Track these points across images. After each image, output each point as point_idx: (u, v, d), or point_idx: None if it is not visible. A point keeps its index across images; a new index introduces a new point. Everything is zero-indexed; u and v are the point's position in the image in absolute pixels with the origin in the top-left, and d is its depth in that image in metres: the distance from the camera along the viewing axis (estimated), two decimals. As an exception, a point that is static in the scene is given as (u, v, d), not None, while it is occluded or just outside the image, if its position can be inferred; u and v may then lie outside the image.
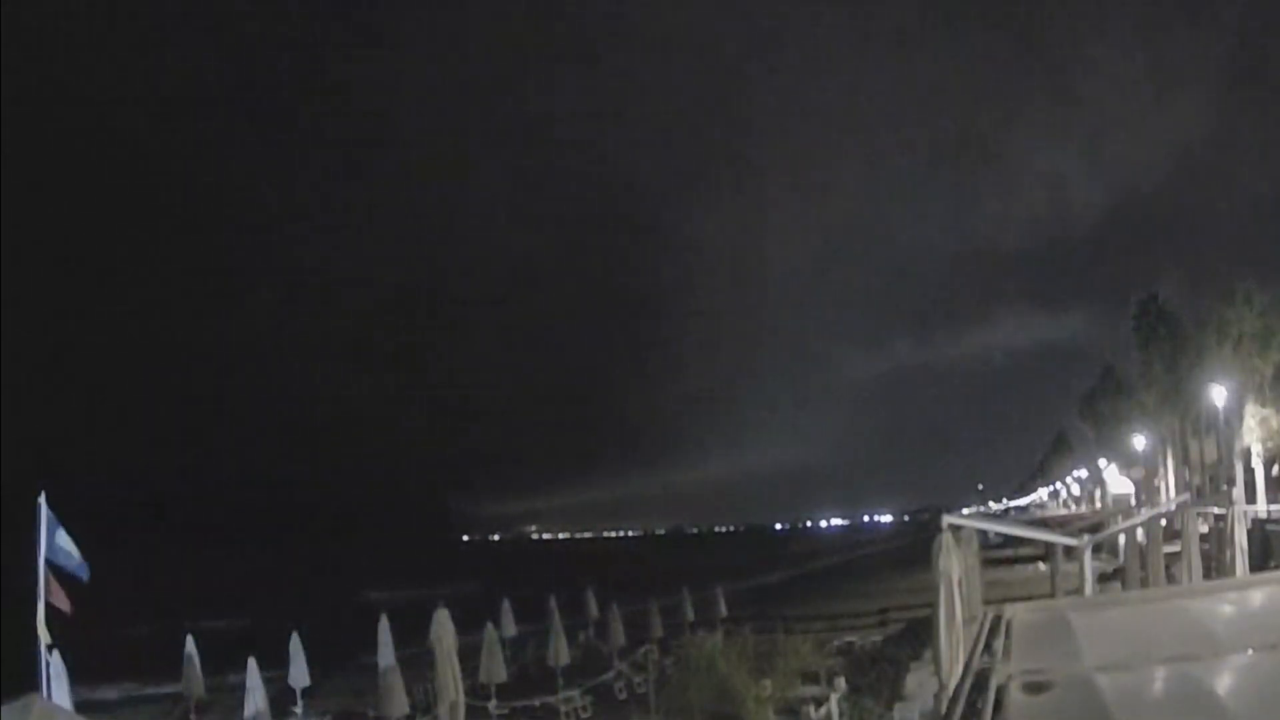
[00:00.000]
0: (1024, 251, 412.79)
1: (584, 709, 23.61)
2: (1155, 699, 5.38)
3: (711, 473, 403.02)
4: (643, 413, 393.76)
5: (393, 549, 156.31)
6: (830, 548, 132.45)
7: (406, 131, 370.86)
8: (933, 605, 7.81)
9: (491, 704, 21.38)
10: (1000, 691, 5.60)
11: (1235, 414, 44.81)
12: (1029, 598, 15.41)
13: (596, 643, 28.93)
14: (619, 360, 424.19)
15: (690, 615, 30.28)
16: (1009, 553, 50.13)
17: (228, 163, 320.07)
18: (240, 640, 23.76)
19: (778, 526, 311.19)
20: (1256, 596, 8.65)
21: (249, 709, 18.27)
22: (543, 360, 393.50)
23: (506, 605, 26.70)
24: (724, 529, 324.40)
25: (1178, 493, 52.47)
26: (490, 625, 22.26)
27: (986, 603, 10.74)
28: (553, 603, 26.13)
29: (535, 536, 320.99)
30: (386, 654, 19.78)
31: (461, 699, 16.97)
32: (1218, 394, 44.20)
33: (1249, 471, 44.87)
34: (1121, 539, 27.30)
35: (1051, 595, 20.98)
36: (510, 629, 26.20)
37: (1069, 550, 19.67)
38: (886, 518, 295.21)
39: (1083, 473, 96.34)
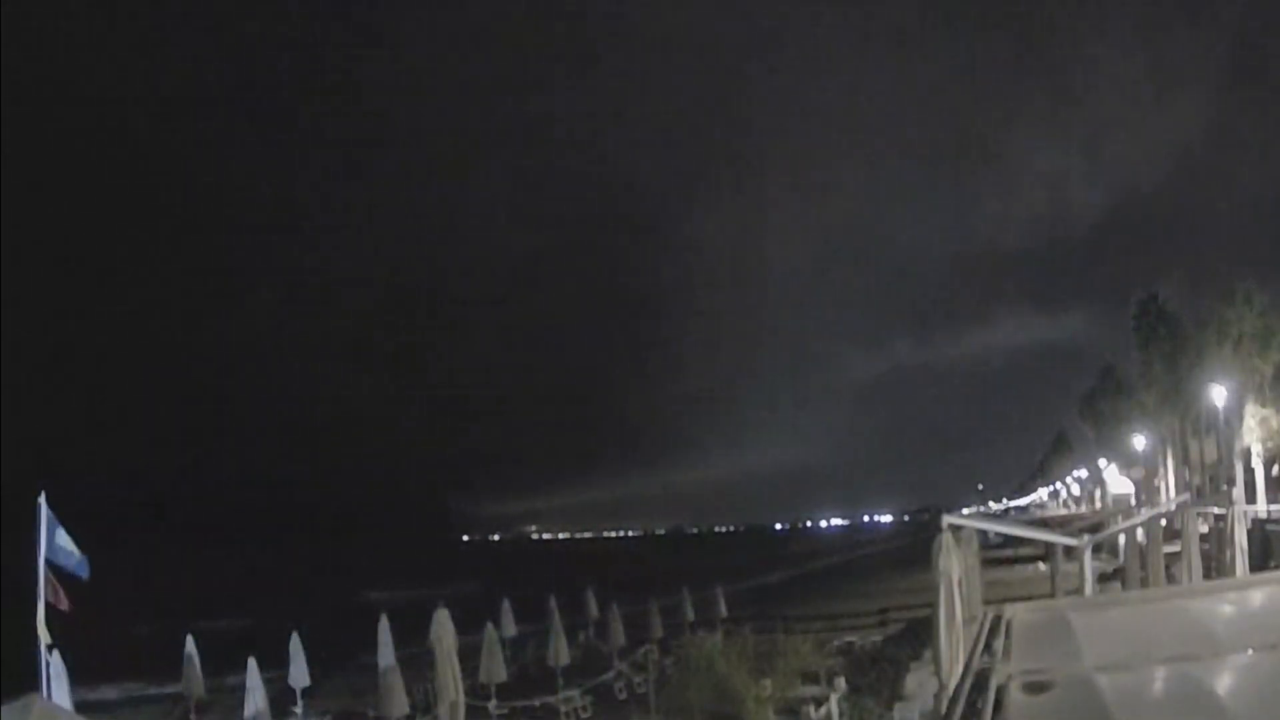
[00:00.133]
0: (1024, 251, 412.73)
1: (584, 709, 23.60)
2: (1155, 699, 5.38)
3: (711, 473, 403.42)
4: (643, 413, 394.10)
5: (393, 549, 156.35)
6: (830, 548, 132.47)
7: (406, 131, 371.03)
8: (933, 605, 7.81)
9: (491, 704, 21.37)
10: (1000, 691, 5.60)
11: (1235, 414, 44.81)
12: (1029, 598, 15.39)
13: (596, 643, 28.94)
14: (619, 360, 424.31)
15: (690, 615, 30.28)
16: (1009, 553, 50.14)
17: (228, 163, 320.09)
18: (240, 640, 23.75)
19: (778, 526, 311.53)
20: (1256, 596, 8.64)
21: (249, 709, 18.27)
22: (543, 360, 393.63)
23: (506, 605, 26.71)
24: (724, 529, 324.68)
25: (1178, 493, 52.47)
26: (490, 625, 22.25)
27: (986, 603, 10.73)
28: (553, 603, 26.14)
29: (535, 536, 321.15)
30: (386, 654, 19.79)
31: (461, 699, 16.97)
32: (1218, 394, 44.20)
33: (1249, 471, 44.87)
34: (1121, 539, 27.29)
35: (1051, 595, 20.98)
36: (510, 629, 26.20)
37: (1069, 550, 19.68)
38: (886, 518, 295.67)
39: (1083, 473, 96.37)
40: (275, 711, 19.41)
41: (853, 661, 23.22)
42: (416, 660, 21.02)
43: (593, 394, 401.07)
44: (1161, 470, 60.79)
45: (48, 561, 11.89)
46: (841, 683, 18.53)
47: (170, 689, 25.09)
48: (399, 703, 17.70)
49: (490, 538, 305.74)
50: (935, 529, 8.45)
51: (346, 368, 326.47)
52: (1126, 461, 69.97)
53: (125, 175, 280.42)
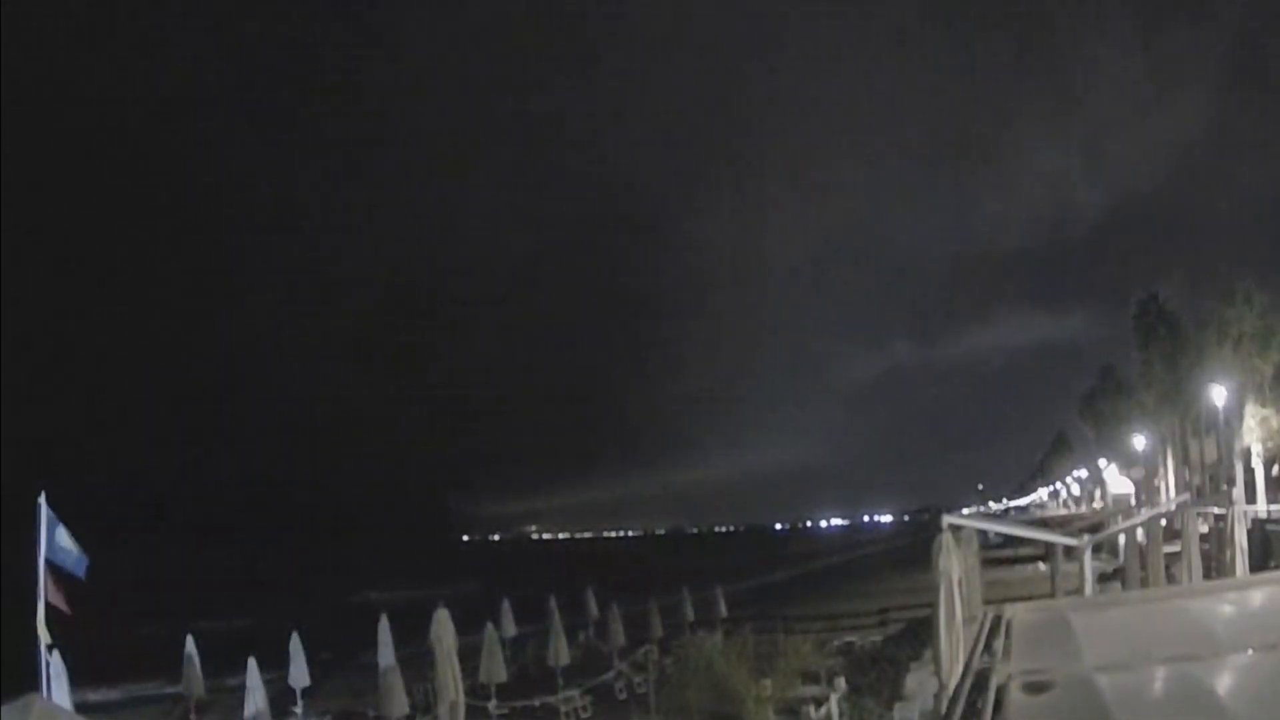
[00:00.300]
0: (1024, 251, 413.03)
1: (584, 709, 23.60)
2: (1155, 699, 5.38)
3: (711, 473, 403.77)
4: (643, 413, 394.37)
5: (393, 549, 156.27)
6: (830, 548, 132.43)
7: (406, 131, 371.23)
8: (933, 605, 7.81)
9: (491, 704, 21.36)
10: (1000, 691, 5.59)
11: (1235, 414, 44.81)
12: (1029, 598, 15.39)
13: (596, 643, 28.93)
14: (619, 360, 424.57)
15: (690, 615, 30.26)
16: (1009, 553, 50.12)
17: (228, 163, 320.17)
18: (240, 640, 23.74)
19: (778, 526, 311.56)
20: (1256, 596, 8.65)
21: (249, 709, 18.27)
22: (543, 360, 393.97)
23: (506, 605, 26.71)
24: (724, 529, 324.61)
25: (1178, 493, 52.47)
26: (490, 625, 22.23)
27: (986, 603, 10.73)
28: (553, 603, 26.13)
29: (535, 536, 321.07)
30: (386, 654, 19.80)
31: (461, 699, 16.97)
32: (1218, 394, 44.20)
33: (1249, 471, 44.88)
34: (1121, 539, 27.30)
35: (1051, 595, 20.97)
36: (510, 629, 26.20)
37: (1069, 550, 19.67)
38: (886, 518, 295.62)
39: (1083, 473, 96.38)
40: (275, 711, 19.41)
41: (853, 661, 23.21)
42: (416, 660, 21.01)
43: (593, 394, 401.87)
44: (1161, 470, 60.78)
45: (48, 561, 11.90)
46: (841, 683, 18.52)
47: (170, 689, 25.11)
48: (399, 703, 17.70)
49: (490, 538, 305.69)
50: (935, 529, 8.45)
51: (346, 368, 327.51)
52: (1126, 461, 69.96)
53: (125, 175, 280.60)
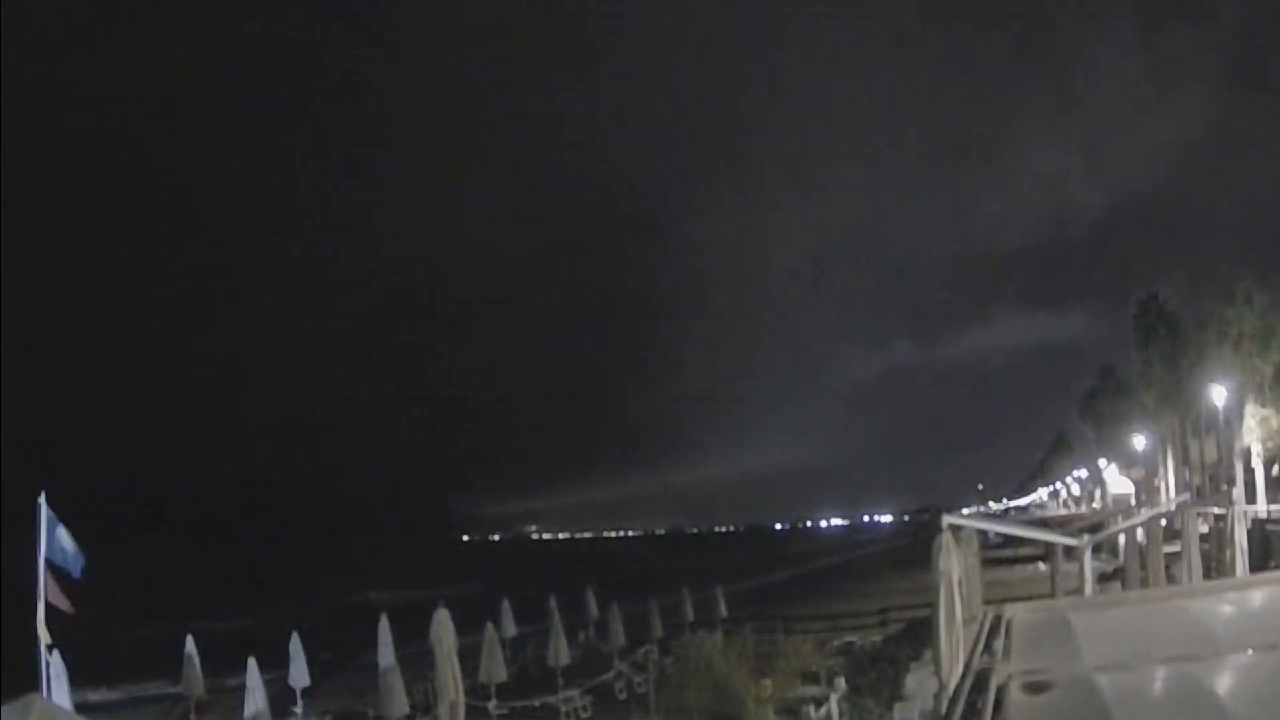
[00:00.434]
0: (1024, 251, 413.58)
1: (584, 709, 23.60)
2: (1155, 699, 5.38)
3: (711, 473, 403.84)
4: (643, 413, 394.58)
5: (393, 549, 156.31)
6: (830, 548, 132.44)
7: (406, 131, 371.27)
8: (933, 605, 7.80)
9: (491, 704, 21.37)
10: (1000, 691, 5.59)
11: (1235, 414, 44.80)
12: (1029, 598, 15.38)
13: (596, 643, 28.93)
14: (619, 360, 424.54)
15: (690, 615, 30.26)
16: (1009, 553, 50.13)
17: (228, 163, 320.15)
18: (240, 640, 23.74)
19: (778, 526, 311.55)
20: (1256, 596, 8.65)
21: (249, 709, 18.27)
22: (543, 360, 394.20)
23: (506, 605, 26.71)
24: (724, 529, 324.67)
25: (1178, 493, 52.46)
26: (490, 625, 22.24)
27: (986, 603, 10.73)
28: (553, 603, 26.13)
29: (535, 536, 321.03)
30: (386, 654, 19.81)
31: (461, 699, 16.96)
32: (1218, 394, 44.19)
33: (1249, 471, 44.86)
34: (1121, 539, 27.28)
35: (1051, 595, 20.96)
36: (510, 629, 26.20)
37: (1069, 550, 19.66)
38: (886, 518, 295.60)
39: (1083, 473, 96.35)
40: (275, 711, 19.41)
41: (853, 661, 23.21)
42: (416, 660, 21.00)
43: (593, 394, 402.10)
44: (1161, 470, 60.77)
45: (48, 561, 11.90)
46: (841, 683, 18.52)
47: (170, 689, 25.11)
48: (399, 703, 17.70)
49: (490, 538, 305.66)
50: (935, 529, 8.44)
51: (346, 368, 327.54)
52: (1126, 461, 69.96)
53: (125, 175, 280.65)
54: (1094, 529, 27.47)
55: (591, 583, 31.47)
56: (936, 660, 7.74)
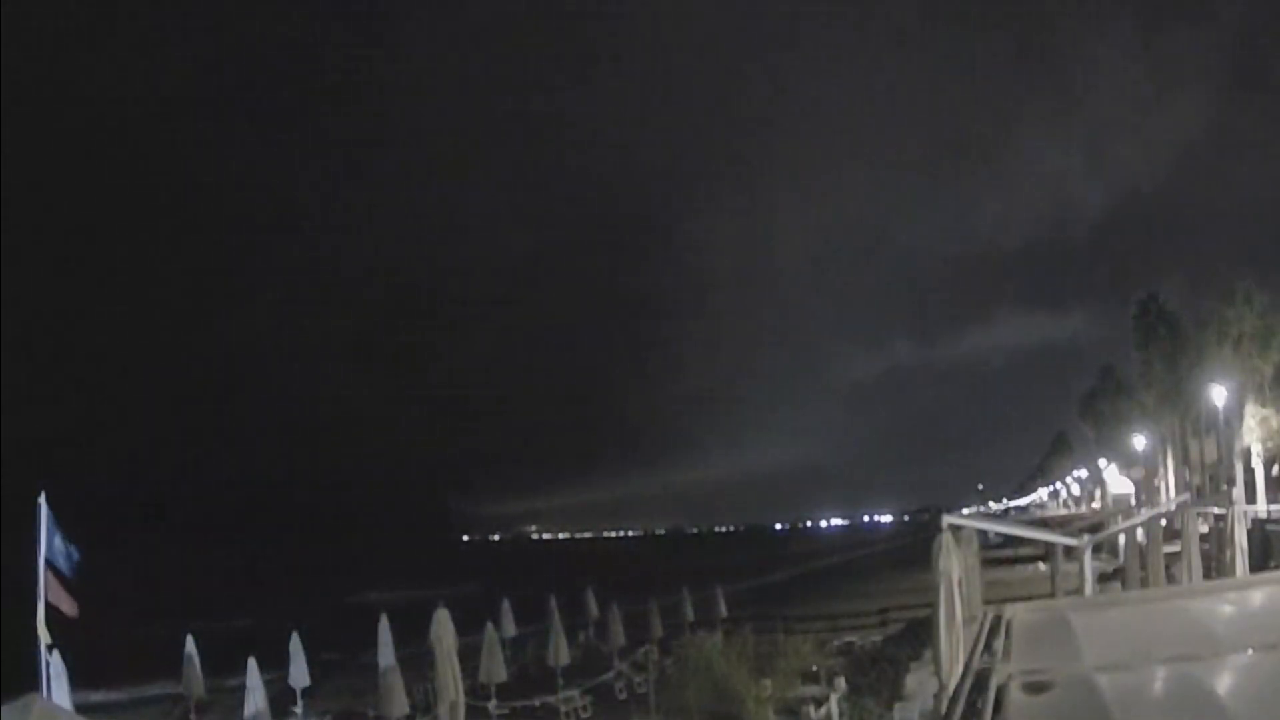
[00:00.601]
0: (1024, 251, 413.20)
1: (584, 709, 23.60)
2: (1155, 699, 5.38)
3: (711, 473, 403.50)
4: (643, 413, 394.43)
5: (393, 549, 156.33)
6: (830, 548, 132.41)
7: (406, 131, 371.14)
8: (933, 605, 7.80)
9: (491, 704, 21.38)
10: (1000, 691, 5.59)
11: (1235, 414, 44.79)
12: (1029, 598, 15.38)
13: (596, 643, 28.94)
14: (619, 360, 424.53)
15: (690, 615, 30.27)
16: (1009, 553, 50.13)
17: (228, 163, 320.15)
18: (240, 640, 23.74)
19: (778, 526, 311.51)
20: (1256, 596, 8.64)
21: (249, 709, 18.26)
22: (543, 360, 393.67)
23: (506, 605, 26.72)
24: (724, 529, 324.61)
25: (1178, 493, 52.45)
26: (490, 625, 22.26)
27: (986, 603, 10.73)
28: (553, 603, 26.13)
29: (535, 536, 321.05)
30: (386, 654, 19.80)
31: (461, 699, 16.97)
32: (1218, 394, 44.18)
33: (1249, 471, 44.86)
34: (1121, 539, 27.27)
35: (1051, 595, 20.94)
36: (510, 629, 26.21)
37: (1069, 550, 19.66)
38: (886, 518, 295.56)
39: (1083, 473, 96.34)
40: (275, 711, 19.41)
41: (853, 661, 23.21)
42: (416, 660, 21.00)
43: (593, 394, 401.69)
44: (1161, 470, 60.78)
45: (48, 562, 11.90)
46: (841, 683, 18.53)
47: (170, 689, 25.08)
48: (399, 703, 17.71)
49: (490, 538, 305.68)
50: (935, 529, 8.44)
51: (346, 368, 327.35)
52: (1126, 461, 69.96)
53: (125, 175, 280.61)
54: (1094, 529, 27.45)
55: (591, 583, 31.48)
56: (936, 660, 7.74)
